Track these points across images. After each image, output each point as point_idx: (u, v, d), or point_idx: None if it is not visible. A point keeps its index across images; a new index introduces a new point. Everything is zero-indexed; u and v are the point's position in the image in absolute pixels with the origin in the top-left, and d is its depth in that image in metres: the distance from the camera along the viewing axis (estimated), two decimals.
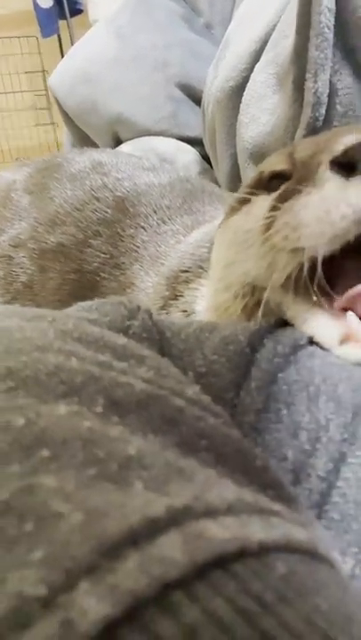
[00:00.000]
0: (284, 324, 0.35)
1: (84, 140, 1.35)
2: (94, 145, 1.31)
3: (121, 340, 0.28)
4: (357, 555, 0.25)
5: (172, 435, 0.21)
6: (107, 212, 0.66)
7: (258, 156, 0.72)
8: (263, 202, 0.37)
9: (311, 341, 0.33)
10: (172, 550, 0.14)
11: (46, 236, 0.70)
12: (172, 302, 0.53)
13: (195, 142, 1.15)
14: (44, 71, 2.78)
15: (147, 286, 0.59)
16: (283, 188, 0.36)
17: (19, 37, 2.68)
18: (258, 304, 0.37)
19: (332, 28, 0.59)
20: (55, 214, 0.70)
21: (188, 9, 1.26)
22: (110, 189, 0.68)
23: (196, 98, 1.17)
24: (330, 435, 0.28)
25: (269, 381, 0.30)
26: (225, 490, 0.18)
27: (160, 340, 0.32)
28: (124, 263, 0.62)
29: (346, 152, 0.30)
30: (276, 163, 0.38)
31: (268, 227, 0.34)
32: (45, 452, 0.17)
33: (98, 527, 0.15)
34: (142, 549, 0.14)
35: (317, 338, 0.33)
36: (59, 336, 0.25)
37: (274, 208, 0.35)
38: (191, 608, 0.13)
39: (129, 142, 1.17)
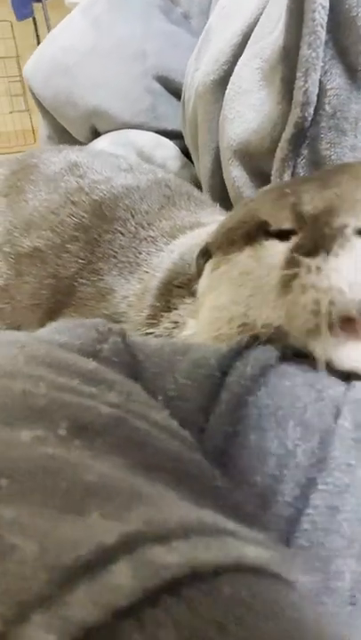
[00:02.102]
0: (255, 344, 0.33)
1: (60, 130, 1.28)
2: (71, 136, 1.24)
3: (91, 365, 0.28)
4: (325, 581, 0.25)
5: (137, 458, 0.21)
6: (83, 217, 0.62)
7: (243, 153, 0.67)
8: (275, 250, 0.33)
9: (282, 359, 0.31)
10: (121, 578, 0.14)
11: (22, 240, 0.65)
12: (163, 313, 0.50)
13: (173, 135, 1.09)
14: (17, 56, 2.64)
15: (128, 294, 0.55)
16: (296, 240, 0.32)
17: None
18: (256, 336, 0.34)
19: (325, 26, 0.54)
20: (30, 218, 0.66)
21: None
22: (86, 192, 0.64)
23: (174, 90, 1.11)
24: (297, 460, 0.27)
25: (239, 405, 0.29)
26: (182, 512, 0.17)
27: (132, 363, 0.31)
28: (102, 269, 0.58)
29: None
30: (279, 217, 0.33)
31: (289, 280, 0.32)
32: (4, 482, 0.17)
33: (51, 558, 0.14)
34: (93, 579, 0.14)
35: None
36: (29, 362, 0.26)
37: (292, 261, 0.31)
38: (139, 634, 0.13)
39: (107, 135, 1.11)
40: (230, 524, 0.18)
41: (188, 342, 0.34)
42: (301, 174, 0.61)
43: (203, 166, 0.81)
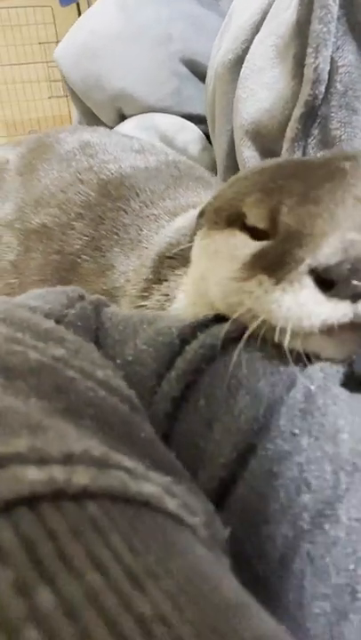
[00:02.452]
0: (223, 318, 0.33)
1: (89, 115, 1.28)
2: (99, 120, 1.24)
3: (47, 324, 0.29)
4: (257, 545, 0.25)
5: (58, 401, 0.22)
6: (90, 195, 0.62)
7: (254, 133, 0.66)
8: (244, 244, 0.34)
9: (243, 335, 0.31)
10: None
11: (31, 217, 0.66)
12: (155, 286, 0.50)
13: (199, 120, 1.08)
14: (58, 42, 2.65)
15: (127, 269, 0.55)
16: (263, 246, 0.33)
17: (33, 7, 2.55)
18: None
19: (338, 0, 0.52)
20: (41, 195, 0.67)
21: None
22: (95, 172, 0.64)
23: (200, 74, 1.09)
24: (239, 426, 0.27)
25: (192, 372, 0.30)
26: (71, 444, 0.18)
27: (97, 329, 0.33)
28: (104, 245, 0.58)
29: (326, 270, 0.28)
30: (257, 215, 0.33)
31: (242, 279, 0.33)
32: None
33: None
34: None
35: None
36: None
37: (251, 266, 0.32)
38: None
39: (132, 119, 1.11)
40: (128, 462, 0.20)
41: (159, 314, 0.35)
42: (312, 155, 0.59)
43: (218, 148, 0.80)
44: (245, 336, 0.30)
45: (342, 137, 0.56)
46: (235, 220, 0.35)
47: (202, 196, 0.60)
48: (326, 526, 0.24)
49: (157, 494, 0.19)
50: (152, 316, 0.34)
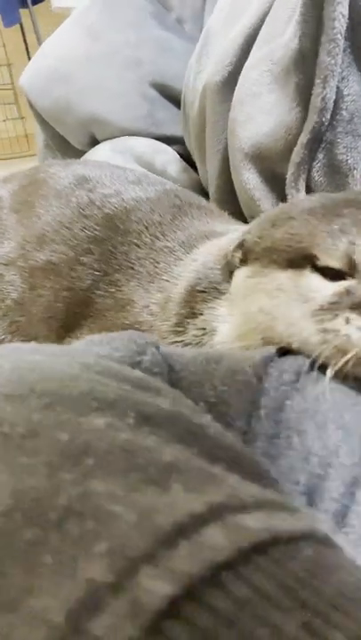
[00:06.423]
0: (285, 352, 0.34)
1: (58, 138, 1.22)
2: (69, 144, 1.18)
3: (136, 373, 0.28)
4: None
5: (196, 446, 0.22)
6: (96, 230, 0.58)
7: (255, 156, 0.63)
8: (319, 286, 0.34)
9: (313, 367, 0.32)
10: (216, 539, 0.16)
11: (35, 254, 0.61)
12: (189, 320, 0.48)
13: (172, 141, 1.05)
14: (9, 64, 2.55)
15: (148, 303, 0.52)
16: (346, 286, 0.33)
17: None
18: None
19: (343, 33, 0.50)
20: (43, 232, 0.62)
21: (157, 5, 1.13)
22: (98, 206, 0.60)
23: (170, 96, 1.06)
24: (340, 460, 0.28)
25: (278, 409, 0.30)
26: (251, 489, 0.19)
27: (170, 372, 0.32)
28: (119, 280, 0.54)
29: None
30: (331, 255, 0.33)
31: (326, 320, 0.33)
32: (90, 461, 0.18)
33: (150, 523, 0.16)
34: (190, 539, 0.15)
35: None
36: (83, 369, 0.26)
37: (336, 305, 0.32)
38: (240, 585, 0.15)
39: (106, 143, 1.06)
40: (297, 502, 0.19)
41: (219, 351, 0.36)
42: (317, 179, 0.57)
43: (210, 167, 0.77)
44: (332, 372, 0.30)
45: (348, 161, 0.54)
46: (301, 261, 0.34)
47: (210, 225, 0.57)
48: None
49: (328, 529, 0.19)
50: (215, 355, 0.34)
